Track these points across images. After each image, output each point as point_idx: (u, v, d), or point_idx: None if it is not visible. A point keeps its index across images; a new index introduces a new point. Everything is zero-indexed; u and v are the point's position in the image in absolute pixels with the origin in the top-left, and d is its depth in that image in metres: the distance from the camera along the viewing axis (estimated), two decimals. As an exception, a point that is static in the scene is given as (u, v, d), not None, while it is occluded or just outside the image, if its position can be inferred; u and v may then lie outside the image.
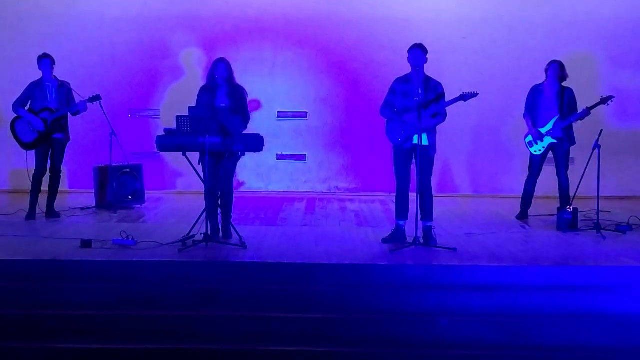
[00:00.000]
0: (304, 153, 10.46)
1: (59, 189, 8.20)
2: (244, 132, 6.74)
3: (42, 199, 7.97)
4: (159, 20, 10.28)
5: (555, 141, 7.91)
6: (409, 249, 6.37)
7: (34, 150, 7.93)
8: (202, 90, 6.96)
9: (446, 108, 6.63)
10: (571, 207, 7.48)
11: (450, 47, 9.90)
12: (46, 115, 7.84)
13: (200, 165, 6.66)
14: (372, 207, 9.19)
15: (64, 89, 8.00)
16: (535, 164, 8.10)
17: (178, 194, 10.18)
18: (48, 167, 7.99)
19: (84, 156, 9.92)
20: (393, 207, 7.19)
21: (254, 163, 9.32)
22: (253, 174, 10.17)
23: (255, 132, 6.74)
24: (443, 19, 10.14)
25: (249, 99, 7.00)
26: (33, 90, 7.91)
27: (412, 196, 6.75)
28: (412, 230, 6.50)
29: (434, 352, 5.24)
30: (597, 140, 7.32)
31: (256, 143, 6.61)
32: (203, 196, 6.69)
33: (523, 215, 8.17)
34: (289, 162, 10.46)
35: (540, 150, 8.00)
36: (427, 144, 6.57)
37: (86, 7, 10.21)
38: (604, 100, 7.80)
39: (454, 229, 7.47)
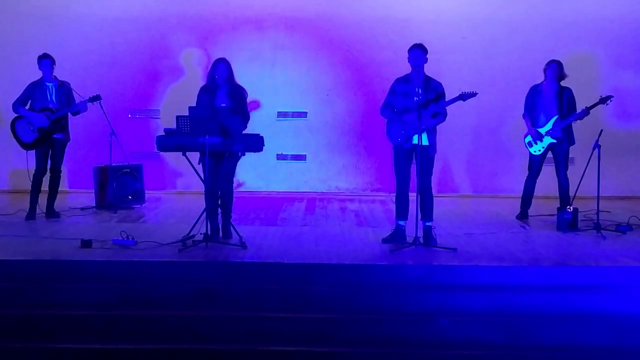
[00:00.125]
0: (304, 153, 10.46)
1: (59, 189, 8.20)
2: (244, 132, 6.74)
3: (42, 199, 7.97)
4: (159, 20, 10.29)
5: (554, 141, 7.91)
6: (409, 249, 6.38)
7: (34, 150, 7.93)
8: (202, 90, 6.97)
9: (446, 108, 6.63)
10: (571, 207, 7.48)
11: (450, 47, 9.91)
12: (47, 114, 7.84)
13: (200, 165, 6.66)
14: (372, 207, 9.19)
15: (64, 89, 8.00)
16: (535, 164, 8.10)
17: (178, 194, 10.18)
18: (48, 167, 7.99)
19: (84, 156, 9.92)
20: (393, 207, 7.19)
21: (254, 163, 9.31)
22: (253, 174, 10.16)
23: (255, 132, 6.74)
24: (443, 19, 10.14)
25: (248, 99, 7.00)
26: (33, 90, 7.91)
27: (412, 196, 6.76)
28: (412, 230, 6.51)
29: (434, 352, 5.24)
30: (597, 140, 7.32)
31: (256, 143, 6.61)
32: (203, 196, 6.69)
33: (523, 215, 8.17)
34: (289, 162, 10.47)
35: (539, 150, 8.00)
36: (427, 144, 6.57)
37: (86, 7, 10.21)
38: (603, 100, 7.80)
39: (454, 229, 7.47)
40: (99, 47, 10.24)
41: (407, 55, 6.66)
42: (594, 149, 7.31)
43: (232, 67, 6.90)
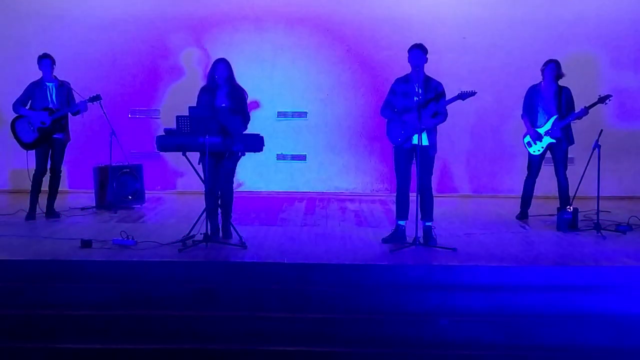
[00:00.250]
0: (304, 153, 10.47)
1: (59, 189, 8.20)
2: (244, 132, 6.74)
3: (42, 199, 7.97)
4: (159, 20, 10.29)
5: (554, 141, 7.91)
6: (409, 249, 6.38)
7: (34, 150, 7.93)
8: (202, 90, 6.97)
9: (446, 108, 6.63)
10: (571, 207, 7.48)
11: (450, 47, 9.91)
12: (46, 115, 7.85)
13: (200, 165, 6.66)
14: (372, 207, 9.19)
15: (64, 88, 8.00)
16: (534, 164, 8.10)
17: (178, 194, 10.18)
18: (48, 167, 7.99)
19: (84, 156, 9.92)
20: (393, 207, 7.19)
21: (254, 163, 9.31)
22: (253, 174, 10.16)
23: (255, 132, 6.74)
24: (443, 19, 10.15)
25: (248, 99, 7.00)
26: (33, 90, 7.91)
27: (412, 196, 6.76)
28: (412, 230, 6.51)
29: (434, 352, 5.24)
30: (597, 140, 7.31)
31: (256, 143, 6.61)
32: (203, 196, 6.69)
33: (523, 215, 8.17)
34: (289, 162, 10.47)
35: (539, 151, 8.00)
36: (427, 144, 6.57)
37: (86, 7, 10.22)
38: (601, 100, 7.81)
39: (454, 229, 7.47)
40: (99, 47, 10.24)
41: (407, 55, 6.66)
42: (594, 149, 7.31)
43: (232, 67, 6.90)
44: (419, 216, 6.58)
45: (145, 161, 9.56)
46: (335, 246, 6.60)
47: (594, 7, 10.12)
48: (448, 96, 6.62)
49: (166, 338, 5.31)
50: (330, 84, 10.38)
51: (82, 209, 8.59)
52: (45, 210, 7.97)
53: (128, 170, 8.86)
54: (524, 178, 8.24)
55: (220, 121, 6.43)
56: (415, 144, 6.56)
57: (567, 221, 7.39)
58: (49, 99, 7.91)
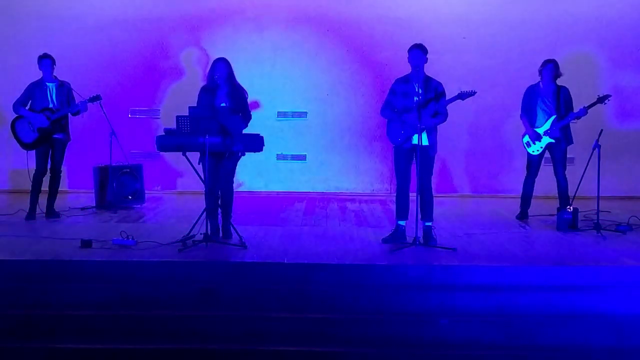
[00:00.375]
0: (304, 153, 10.47)
1: (59, 189, 8.20)
2: (245, 131, 6.74)
3: (42, 199, 7.98)
4: (159, 20, 10.29)
5: (553, 141, 7.91)
6: (409, 249, 6.38)
7: (34, 150, 7.93)
8: (203, 90, 6.97)
9: (447, 108, 6.63)
10: (571, 207, 7.48)
11: (450, 47, 9.92)
12: (47, 115, 7.84)
13: (200, 165, 6.66)
14: (372, 207, 9.19)
15: (64, 89, 8.00)
16: (534, 164, 8.10)
17: (178, 194, 10.19)
18: (48, 167, 7.99)
19: (84, 156, 9.92)
20: (393, 207, 7.19)
21: (254, 163, 9.31)
22: (253, 173, 10.17)
23: (255, 132, 6.74)
24: (443, 19, 10.15)
25: (249, 99, 7.00)
26: (33, 91, 7.91)
27: (412, 196, 6.76)
28: (412, 230, 6.51)
29: (434, 352, 5.24)
30: (597, 140, 7.31)
31: (256, 143, 6.61)
32: (203, 196, 6.69)
33: (523, 215, 8.17)
34: (289, 162, 10.47)
35: (538, 150, 8.00)
36: (427, 144, 6.57)
37: (86, 7, 10.22)
38: (601, 99, 7.81)
39: (454, 229, 7.47)
40: (99, 47, 10.24)
41: (407, 55, 6.66)
42: (594, 149, 7.31)
43: (232, 67, 6.90)
44: (419, 216, 6.58)
45: (145, 161, 9.56)
46: (335, 246, 6.60)
47: (594, 7, 10.12)
48: (448, 96, 6.63)
49: (166, 338, 5.31)
50: (330, 84, 10.38)
51: (82, 209, 8.59)
52: (45, 210, 7.97)
53: (128, 170, 8.86)
54: (524, 178, 8.24)
55: (220, 121, 6.43)
56: (415, 144, 6.56)
57: (567, 221, 7.39)
58: (49, 99, 7.91)
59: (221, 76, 6.81)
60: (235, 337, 5.32)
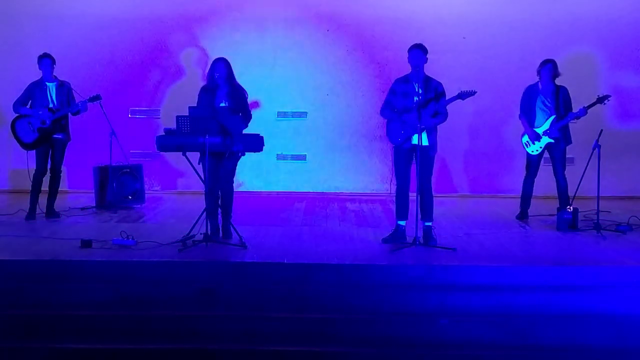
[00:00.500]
0: (304, 153, 10.47)
1: (59, 189, 8.20)
2: (245, 131, 6.74)
3: (42, 199, 7.98)
4: (159, 20, 10.29)
5: (552, 141, 7.90)
6: (409, 249, 6.38)
7: (34, 150, 7.93)
8: (203, 90, 6.97)
9: (447, 108, 6.63)
10: (571, 207, 7.48)
11: (450, 47, 9.91)
12: (46, 115, 7.85)
13: (200, 165, 6.66)
14: (372, 207, 9.19)
15: (64, 88, 8.00)
16: (533, 164, 8.10)
17: (178, 194, 10.18)
18: (48, 167, 7.99)
19: (84, 156, 9.92)
20: (393, 207, 7.19)
21: (254, 163, 9.31)
22: (253, 174, 10.16)
23: (255, 132, 6.75)
24: (443, 19, 10.14)
25: (249, 99, 7.00)
26: (33, 90, 7.91)
27: (412, 196, 6.76)
28: (412, 230, 6.51)
29: (434, 352, 5.24)
30: (597, 140, 7.31)
31: (256, 143, 6.61)
32: (203, 196, 6.70)
33: (523, 215, 8.17)
34: (289, 162, 10.47)
35: (537, 150, 8.00)
36: (427, 144, 6.57)
37: (86, 7, 10.21)
38: (600, 100, 7.80)
39: (454, 229, 7.48)
40: (99, 47, 10.24)
41: (407, 55, 6.66)
42: (594, 149, 7.31)
43: (232, 66, 6.90)
44: (419, 216, 6.58)
45: (145, 161, 9.55)
46: (335, 246, 6.60)
47: (594, 7, 10.11)
48: (448, 96, 6.63)
49: (166, 338, 5.32)
50: (330, 84, 10.37)
51: (82, 209, 8.59)
52: (45, 210, 7.97)
53: (128, 170, 8.86)
54: (523, 178, 8.24)
55: (220, 121, 6.43)
56: (415, 144, 6.56)
57: (567, 221, 7.39)
58: (49, 99, 7.91)
59: (221, 76, 6.81)
60: (235, 337, 5.32)
